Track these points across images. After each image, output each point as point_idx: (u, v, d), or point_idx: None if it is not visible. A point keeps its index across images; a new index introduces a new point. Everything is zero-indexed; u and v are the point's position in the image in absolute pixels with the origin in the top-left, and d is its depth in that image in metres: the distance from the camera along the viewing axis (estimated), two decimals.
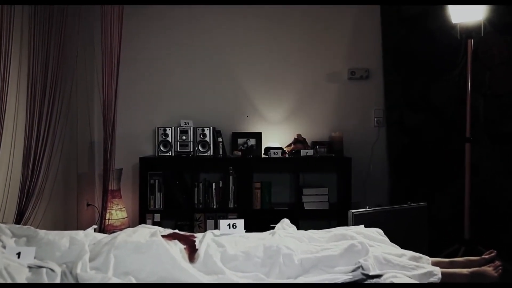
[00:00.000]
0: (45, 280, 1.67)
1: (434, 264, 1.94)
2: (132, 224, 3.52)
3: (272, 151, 3.51)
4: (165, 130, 3.56)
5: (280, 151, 3.52)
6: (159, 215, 3.52)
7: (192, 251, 1.90)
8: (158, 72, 3.82)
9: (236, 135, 3.70)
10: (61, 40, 2.84)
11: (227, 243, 1.96)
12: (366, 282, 1.72)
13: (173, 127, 3.59)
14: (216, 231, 2.17)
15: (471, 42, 3.18)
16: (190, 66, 3.82)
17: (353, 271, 1.78)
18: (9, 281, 1.59)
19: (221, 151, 3.62)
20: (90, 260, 1.82)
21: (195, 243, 1.97)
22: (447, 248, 3.19)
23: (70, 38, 3.11)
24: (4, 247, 1.85)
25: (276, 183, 3.67)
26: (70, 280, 1.72)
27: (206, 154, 3.55)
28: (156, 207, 3.53)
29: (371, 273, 1.74)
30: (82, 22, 3.36)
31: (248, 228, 2.23)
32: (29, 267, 1.75)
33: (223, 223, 2.19)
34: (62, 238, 1.95)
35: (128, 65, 3.69)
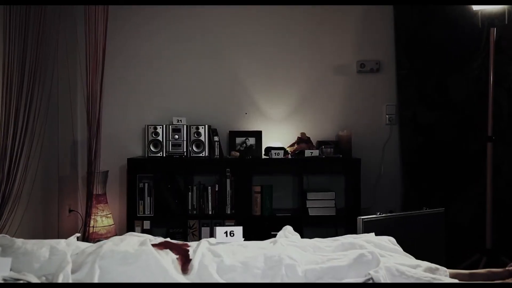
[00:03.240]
0: None
1: (453, 276, 1.94)
2: (119, 232, 3.52)
3: (273, 151, 3.50)
4: (155, 128, 3.56)
5: (282, 151, 3.51)
6: (149, 222, 3.51)
7: (185, 262, 1.90)
8: (147, 65, 3.81)
9: (233, 134, 3.70)
10: (40, 29, 2.83)
11: (224, 252, 1.96)
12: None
13: (164, 125, 3.58)
14: (212, 240, 2.16)
15: (493, 31, 3.18)
16: (183, 58, 3.81)
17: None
18: None
19: (217, 152, 3.61)
20: (73, 271, 1.81)
21: (189, 252, 1.97)
22: (466, 259, 3.19)
23: (50, 27, 3.09)
24: None
25: (277, 186, 3.67)
26: None
27: (201, 155, 3.55)
28: (146, 213, 3.52)
29: None
30: (63, 11, 3.36)
31: (247, 236, 2.23)
32: (4, 280, 1.74)
33: (220, 230, 2.18)
34: (41, 248, 1.94)
35: (114, 57, 3.69)
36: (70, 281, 1.76)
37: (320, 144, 3.62)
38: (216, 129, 3.70)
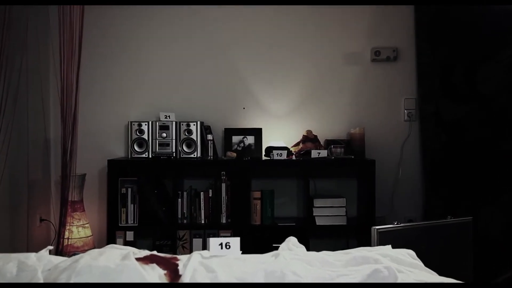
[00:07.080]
0: None
1: None
2: (98, 245, 3.52)
3: (275, 152, 3.50)
4: (140, 125, 3.56)
5: (285, 152, 3.51)
6: (132, 232, 3.51)
7: (174, 278, 1.90)
8: (131, 54, 3.81)
9: (229, 132, 3.70)
10: (6, 10, 2.82)
11: (219, 267, 1.95)
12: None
13: (150, 122, 3.59)
14: (204, 253, 2.16)
15: None
16: (171, 47, 3.81)
17: None
18: None
19: (210, 152, 3.61)
20: None
21: (178, 267, 1.97)
22: (498, 275, 3.18)
23: (19, 8, 3.10)
24: None
25: (280, 192, 3.68)
26: None
27: (192, 155, 3.55)
28: (129, 222, 3.52)
29: None
30: None
31: (245, 249, 2.23)
32: None
33: (214, 242, 2.18)
34: (8, 263, 1.94)
35: (93, 43, 3.69)
36: None
37: (329, 143, 3.62)
38: (209, 126, 3.70)
